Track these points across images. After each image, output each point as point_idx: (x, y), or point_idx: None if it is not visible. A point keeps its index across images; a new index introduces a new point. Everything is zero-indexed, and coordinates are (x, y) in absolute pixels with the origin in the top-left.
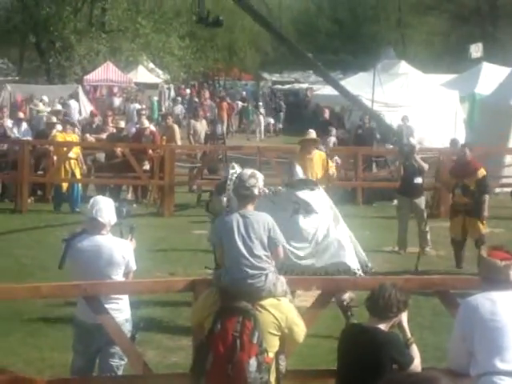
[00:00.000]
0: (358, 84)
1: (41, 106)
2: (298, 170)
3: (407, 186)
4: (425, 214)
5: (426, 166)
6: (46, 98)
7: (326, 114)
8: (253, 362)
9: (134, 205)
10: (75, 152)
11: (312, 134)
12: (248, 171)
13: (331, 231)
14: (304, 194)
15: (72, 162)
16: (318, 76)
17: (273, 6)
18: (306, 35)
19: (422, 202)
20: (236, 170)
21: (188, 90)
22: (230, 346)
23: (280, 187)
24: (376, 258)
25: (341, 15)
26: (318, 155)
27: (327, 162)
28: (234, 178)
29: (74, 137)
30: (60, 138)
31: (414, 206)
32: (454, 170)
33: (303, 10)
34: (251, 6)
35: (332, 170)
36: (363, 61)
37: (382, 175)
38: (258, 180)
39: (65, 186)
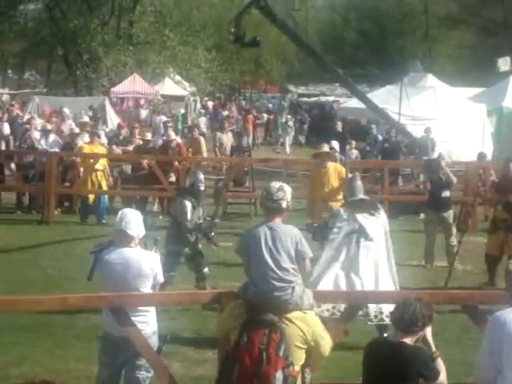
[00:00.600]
0: (384, 97)
1: (37, 121)
2: (359, 187)
3: (435, 199)
4: (453, 228)
5: (454, 179)
6: (66, 110)
7: (339, 127)
8: (279, 376)
9: (160, 216)
10: (102, 164)
11: (325, 147)
12: (276, 184)
13: (387, 261)
14: (363, 219)
15: (99, 173)
16: (346, 89)
17: (299, 18)
18: (332, 47)
19: (450, 215)
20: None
21: (210, 103)
22: (257, 358)
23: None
24: (402, 272)
25: (367, 27)
26: (332, 168)
27: (345, 174)
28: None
29: (100, 148)
30: (87, 149)
31: (442, 219)
32: (497, 186)
33: (329, 22)
34: (278, 17)
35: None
36: (390, 74)
37: (408, 188)
38: (285, 193)
39: (91, 197)
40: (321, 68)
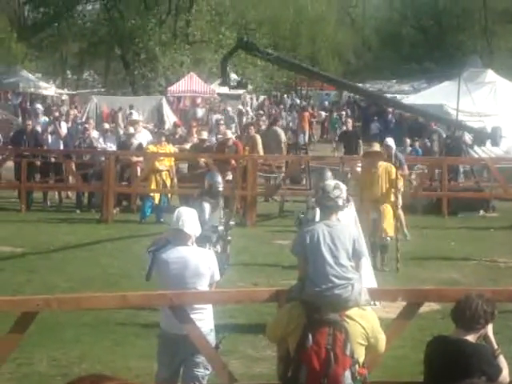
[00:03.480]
0: (442, 93)
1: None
2: (330, 179)
3: None
4: None
5: None
6: (135, 115)
7: (350, 124)
8: (347, 375)
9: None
10: (167, 164)
11: (375, 146)
12: (332, 182)
13: None
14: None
15: (163, 173)
16: (387, 106)
17: (356, 15)
18: (390, 44)
19: None
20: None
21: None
22: (324, 360)
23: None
24: (462, 270)
25: (425, 24)
26: (383, 168)
27: (396, 175)
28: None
29: (168, 149)
30: (153, 150)
31: None
32: None
33: (387, 19)
34: (266, 51)
35: (400, 183)
36: (448, 70)
37: (468, 185)
38: (342, 191)
39: (157, 197)
40: (349, 91)
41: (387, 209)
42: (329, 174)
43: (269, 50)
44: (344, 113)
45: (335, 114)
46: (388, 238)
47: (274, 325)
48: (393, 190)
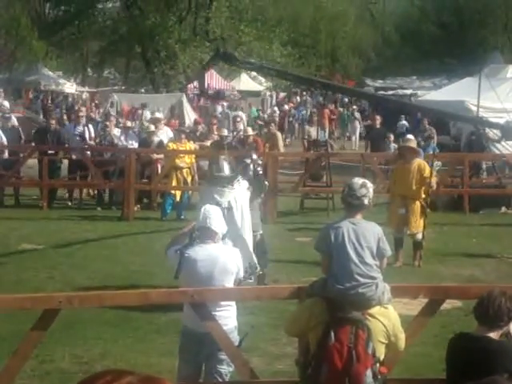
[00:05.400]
0: (464, 89)
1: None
2: (224, 165)
3: None
4: None
5: None
6: (147, 114)
7: (378, 121)
8: (369, 373)
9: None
10: (187, 162)
11: (411, 141)
12: (359, 181)
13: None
14: (220, 195)
15: (184, 170)
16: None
17: (376, 12)
18: (410, 41)
19: None
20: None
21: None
22: (346, 358)
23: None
24: (484, 267)
25: (446, 20)
26: (416, 164)
27: (431, 173)
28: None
29: (188, 146)
30: (173, 147)
31: None
32: None
33: (407, 15)
34: (244, 59)
35: (434, 180)
36: (469, 66)
37: (489, 182)
38: (368, 190)
39: (178, 194)
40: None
41: (416, 206)
42: (223, 162)
43: (251, 59)
44: (355, 107)
45: (345, 110)
46: (419, 235)
47: (293, 320)
48: (423, 187)
